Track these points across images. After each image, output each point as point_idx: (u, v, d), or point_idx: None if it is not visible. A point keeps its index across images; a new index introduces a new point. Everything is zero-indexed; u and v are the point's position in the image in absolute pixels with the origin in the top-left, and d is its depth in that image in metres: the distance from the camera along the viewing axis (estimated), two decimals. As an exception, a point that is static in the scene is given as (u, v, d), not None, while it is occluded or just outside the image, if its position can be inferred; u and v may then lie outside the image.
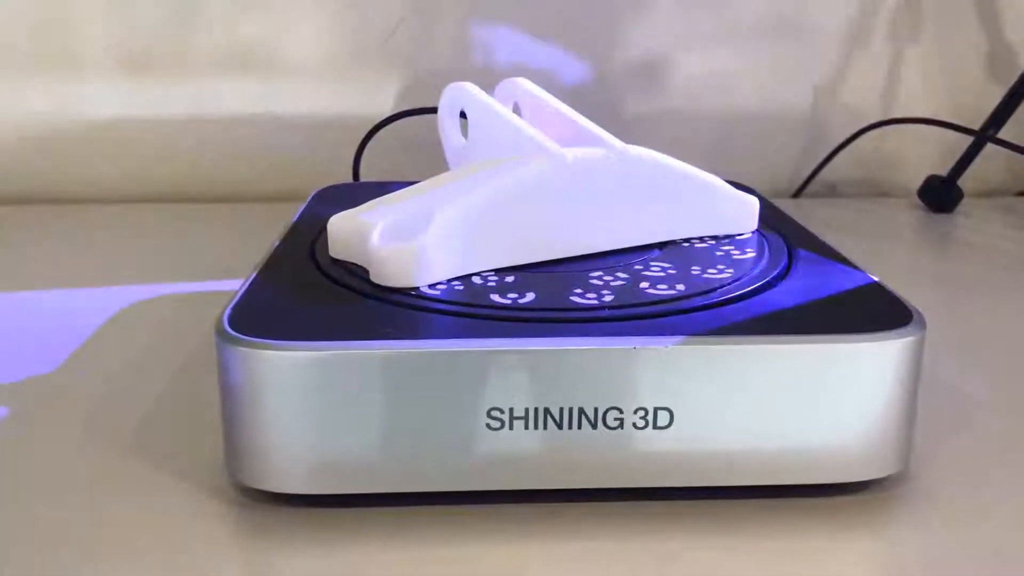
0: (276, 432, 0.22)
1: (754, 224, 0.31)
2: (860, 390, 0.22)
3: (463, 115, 0.31)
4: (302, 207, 0.36)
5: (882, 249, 0.47)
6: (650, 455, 0.22)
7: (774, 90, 0.58)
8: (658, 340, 0.22)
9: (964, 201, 0.54)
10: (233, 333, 0.22)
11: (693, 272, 0.26)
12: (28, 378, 0.31)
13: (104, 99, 0.56)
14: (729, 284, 0.25)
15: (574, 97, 0.57)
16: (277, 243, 0.30)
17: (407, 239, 0.25)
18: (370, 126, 0.49)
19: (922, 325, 0.23)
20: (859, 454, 0.23)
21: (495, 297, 0.24)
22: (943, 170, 0.54)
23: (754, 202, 0.31)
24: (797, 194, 0.58)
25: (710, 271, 0.27)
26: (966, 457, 0.25)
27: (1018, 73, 0.52)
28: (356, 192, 0.39)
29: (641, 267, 0.27)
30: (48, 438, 0.26)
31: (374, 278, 0.25)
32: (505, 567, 0.21)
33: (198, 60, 0.56)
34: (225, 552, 0.22)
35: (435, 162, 0.32)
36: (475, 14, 0.56)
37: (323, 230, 0.30)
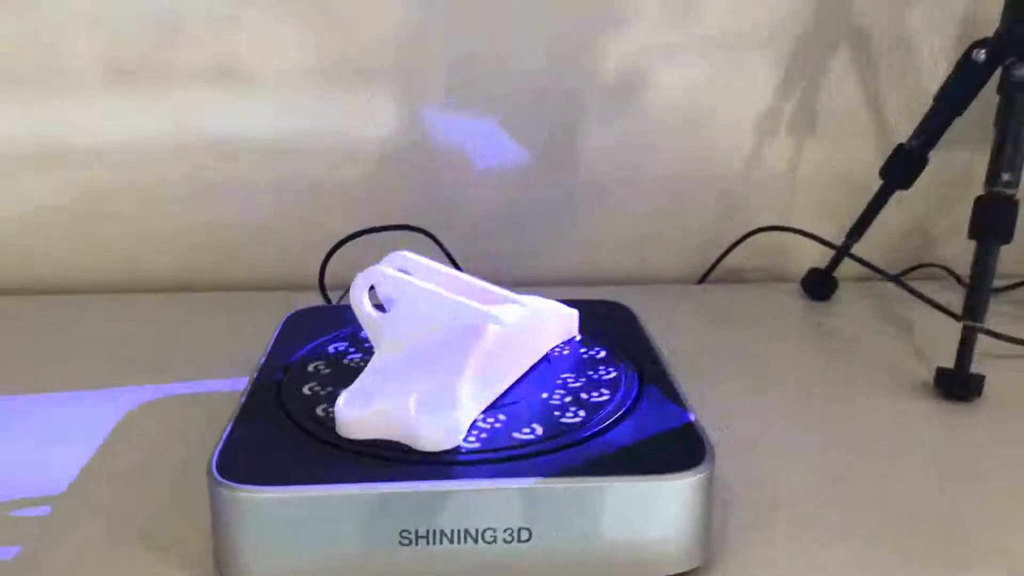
0: (252, 550, 0.31)
1: (576, 331, 0.43)
2: (667, 511, 0.31)
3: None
4: (274, 335, 0.45)
5: (755, 336, 0.57)
6: (518, 561, 0.31)
7: (685, 192, 0.68)
8: (519, 481, 0.31)
9: (841, 287, 0.64)
10: (220, 478, 0.31)
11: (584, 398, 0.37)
12: (48, 481, 0.40)
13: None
14: (586, 420, 0.35)
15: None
16: (252, 382, 0.39)
17: (444, 414, 0.33)
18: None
19: (712, 461, 0.32)
20: (669, 554, 0.32)
21: (516, 435, 0.34)
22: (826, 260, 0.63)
23: (574, 313, 0.43)
24: (702, 280, 0.68)
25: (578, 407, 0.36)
26: (766, 547, 0.35)
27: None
28: (323, 316, 0.48)
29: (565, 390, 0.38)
30: (67, 534, 0.35)
31: (417, 447, 0.32)
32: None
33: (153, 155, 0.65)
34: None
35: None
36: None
37: (288, 373, 0.39)
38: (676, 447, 0.34)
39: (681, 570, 0.32)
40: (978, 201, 0.48)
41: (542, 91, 0.66)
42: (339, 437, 0.33)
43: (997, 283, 0.60)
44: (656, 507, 0.31)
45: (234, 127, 0.65)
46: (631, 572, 0.32)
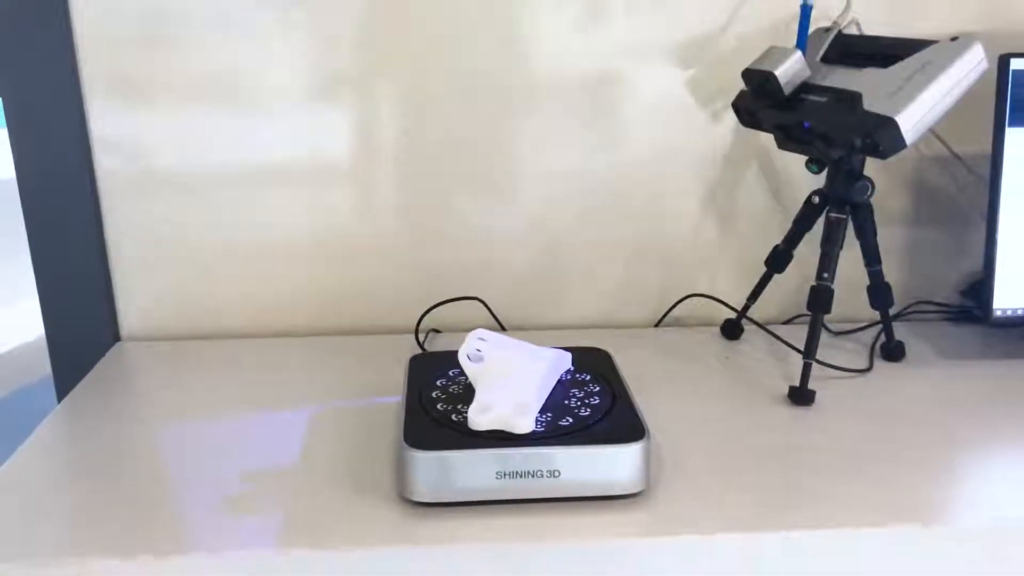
0: (425, 485, 0.64)
1: (570, 364, 0.75)
2: (625, 461, 0.65)
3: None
4: (406, 375, 0.77)
5: (686, 364, 0.90)
6: (553, 486, 0.64)
7: (646, 262, 1.01)
8: (554, 448, 0.64)
9: (747, 330, 0.97)
10: (408, 446, 0.64)
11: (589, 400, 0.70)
12: (280, 457, 0.72)
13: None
14: (589, 415, 0.68)
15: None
16: (405, 399, 0.72)
17: (526, 415, 0.66)
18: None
19: (648, 438, 0.66)
20: (629, 483, 0.65)
21: (560, 424, 0.67)
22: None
23: (568, 354, 0.76)
24: (657, 325, 1.02)
25: (584, 407, 0.69)
26: (680, 481, 0.68)
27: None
28: (438, 359, 0.80)
29: (575, 399, 0.70)
30: (304, 488, 0.68)
31: (514, 431, 0.65)
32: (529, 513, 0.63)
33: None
34: (391, 524, 0.64)
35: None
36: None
37: (421, 395, 0.72)
38: (631, 429, 0.67)
39: (636, 491, 0.66)
40: (811, 289, 0.82)
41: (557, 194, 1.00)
42: (469, 429, 0.67)
43: (847, 327, 0.95)
44: (622, 460, 0.65)
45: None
46: (611, 492, 0.65)
